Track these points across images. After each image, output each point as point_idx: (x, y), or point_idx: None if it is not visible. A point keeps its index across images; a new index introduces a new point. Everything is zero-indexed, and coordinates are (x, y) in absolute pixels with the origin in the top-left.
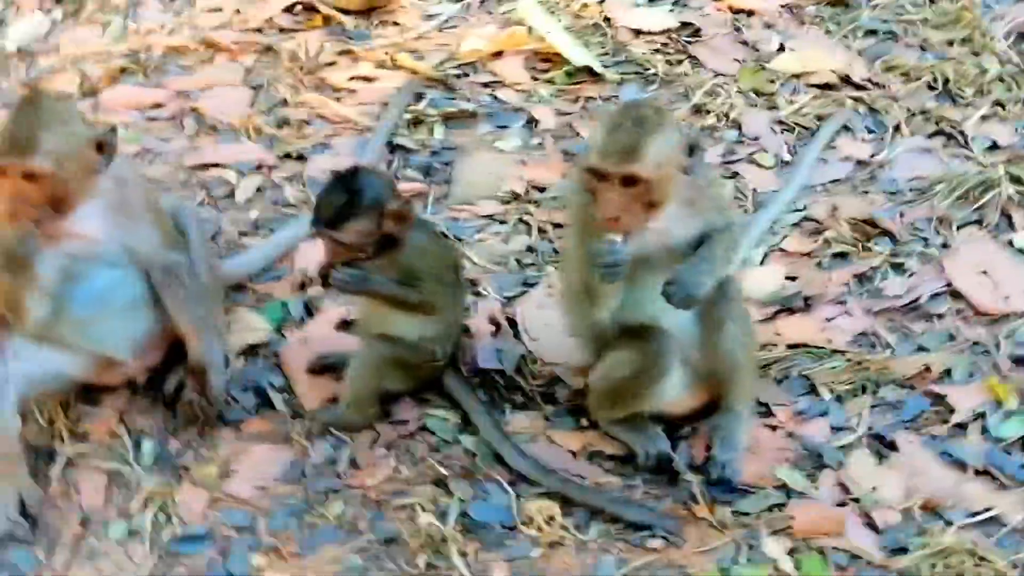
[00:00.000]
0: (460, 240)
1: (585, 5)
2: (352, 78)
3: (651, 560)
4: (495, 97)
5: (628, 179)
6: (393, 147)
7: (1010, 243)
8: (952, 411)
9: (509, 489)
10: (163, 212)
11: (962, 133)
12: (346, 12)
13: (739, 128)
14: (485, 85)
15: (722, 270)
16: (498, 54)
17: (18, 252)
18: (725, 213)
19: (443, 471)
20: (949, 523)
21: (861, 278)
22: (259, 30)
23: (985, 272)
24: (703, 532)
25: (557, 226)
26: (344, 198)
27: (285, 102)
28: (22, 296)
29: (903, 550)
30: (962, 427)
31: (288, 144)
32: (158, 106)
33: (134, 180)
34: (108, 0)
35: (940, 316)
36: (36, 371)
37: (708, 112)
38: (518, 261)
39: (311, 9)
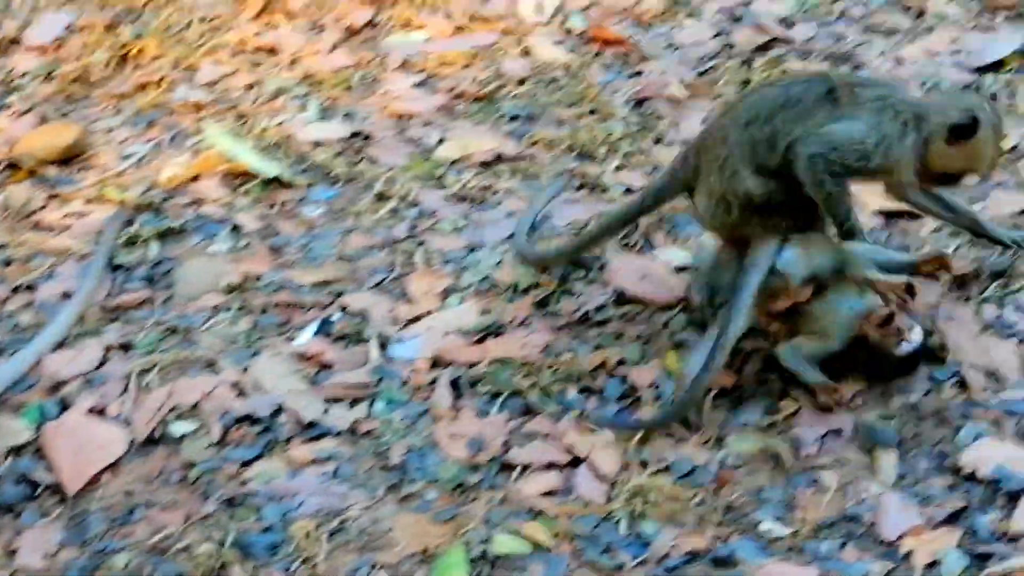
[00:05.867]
0: (189, 330)
1: (264, 129)
2: (65, 215)
3: None
4: (199, 214)
5: None
6: (115, 267)
7: None
8: None
9: None
10: None
11: (598, 183)
12: (46, 163)
13: (416, 206)
14: (189, 204)
15: None
16: (196, 178)
17: None
18: None
19: None
20: None
21: None
22: None
23: None
24: None
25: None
26: None
27: (3, 246)
28: None
29: None
30: None
31: (18, 278)
32: None
33: None
34: None
35: None
36: None
37: (384, 198)
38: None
39: (13, 166)
